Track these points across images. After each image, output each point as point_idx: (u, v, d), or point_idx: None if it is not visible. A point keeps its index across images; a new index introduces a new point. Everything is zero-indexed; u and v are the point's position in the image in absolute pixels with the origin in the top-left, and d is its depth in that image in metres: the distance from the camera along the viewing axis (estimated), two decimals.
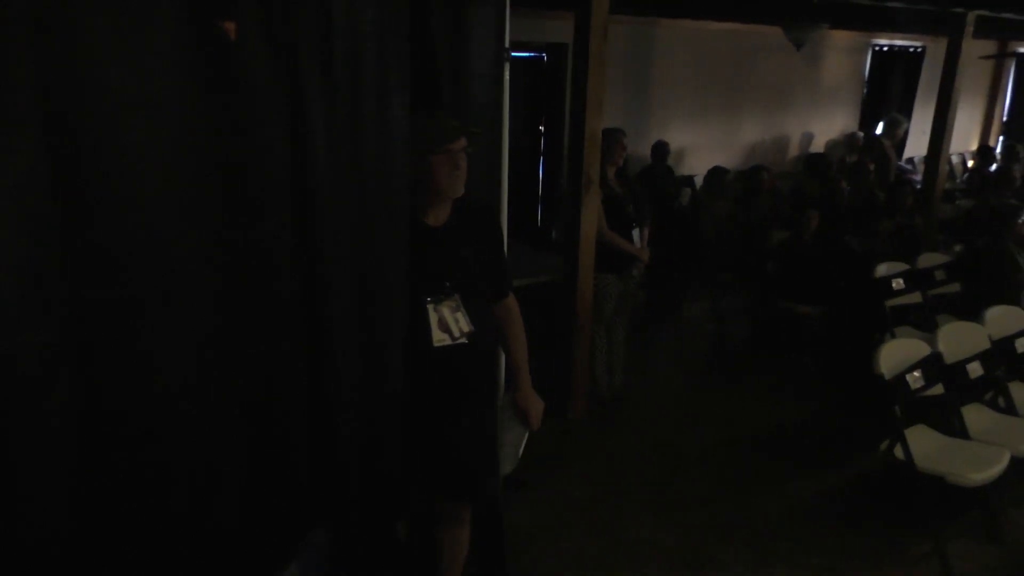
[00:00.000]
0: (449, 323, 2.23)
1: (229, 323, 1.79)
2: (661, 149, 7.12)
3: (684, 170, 7.75)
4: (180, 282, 1.67)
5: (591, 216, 4.06)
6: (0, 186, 1.38)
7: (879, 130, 8.16)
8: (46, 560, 1.57)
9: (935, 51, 9.53)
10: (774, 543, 3.31)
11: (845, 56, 9.14)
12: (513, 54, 2.68)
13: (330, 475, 2.09)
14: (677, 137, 7.59)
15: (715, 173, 6.42)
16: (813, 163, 7.15)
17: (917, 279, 4.77)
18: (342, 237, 1.95)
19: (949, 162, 6.62)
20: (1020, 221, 4.62)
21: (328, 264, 1.93)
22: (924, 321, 4.64)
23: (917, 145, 9.24)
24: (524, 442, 2.84)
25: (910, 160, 9.36)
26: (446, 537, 2.56)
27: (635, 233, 4.34)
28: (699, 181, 7.09)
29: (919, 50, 9.76)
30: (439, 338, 2.22)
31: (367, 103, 1.96)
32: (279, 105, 1.78)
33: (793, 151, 9.03)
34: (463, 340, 2.26)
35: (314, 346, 1.96)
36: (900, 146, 9.33)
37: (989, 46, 9.91)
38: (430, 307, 2.22)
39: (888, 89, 9.77)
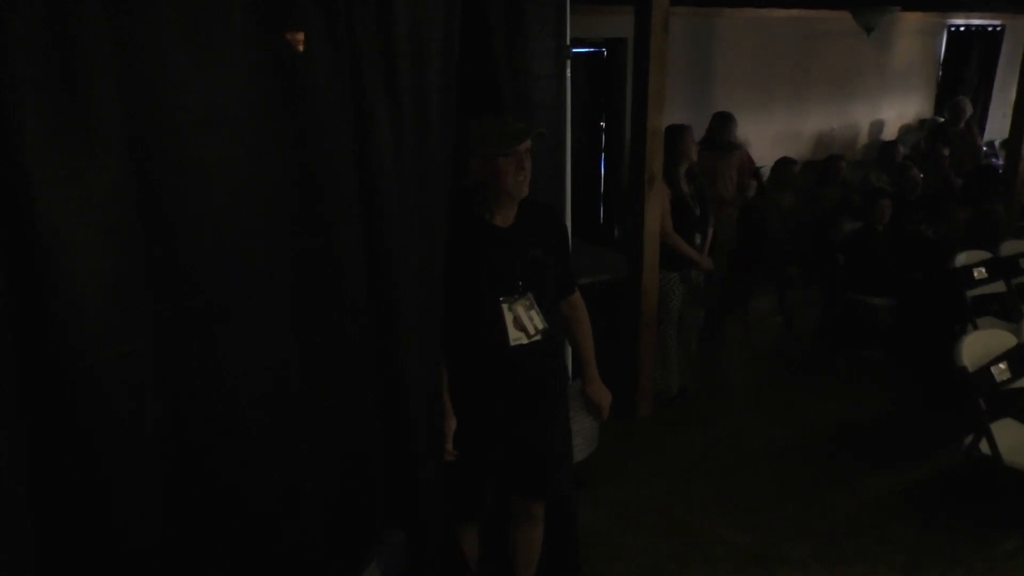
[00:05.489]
0: (524, 322, 2.25)
1: (302, 329, 1.84)
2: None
3: None
4: (255, 290, 1.73)
5: (654, 213, 4.02)
6: (90, 204, 1.45)
7: (944, 116, 7.85)
8: (138, 564, 1.62)
9: (1015, 28, 9.12)
10: (851, 540, 3.23)
11: (918, 38, 8.79)
12: (573, 50, 2.68)
13: (403, 475, 2.14)
14: (741, 129, 7.38)
15: (783, 164, 6.28)
16: (883, 151, 6.91)
17: (1000, 268, 4.58)
18: (407, 241, 1.99)
19: None
20: None
21: (395, 268, 1.97)
22: (1009, 311, 4.46)
23: (998, 128, 8.84)
24: (597, 432, 2.82)
25: (990, 143, 8.96)
26: (520, 536, 2.59)
27: (698, 236, 4.27)
28: (766, 173, 6.93)
29: (998, 29, 9.35)
30: (516, 337, 2.24)
31: (430, 107, 2.00)
32: (346, 114, 1.83)
33: (863, 140, 8.74)
34: (538, 338, 2.27)
35: (383, 351, 2.01)
36: (980, 129, 8.94)
37: None
38: (505, 307, 2.23)
39: (965, 71, 9.37)
